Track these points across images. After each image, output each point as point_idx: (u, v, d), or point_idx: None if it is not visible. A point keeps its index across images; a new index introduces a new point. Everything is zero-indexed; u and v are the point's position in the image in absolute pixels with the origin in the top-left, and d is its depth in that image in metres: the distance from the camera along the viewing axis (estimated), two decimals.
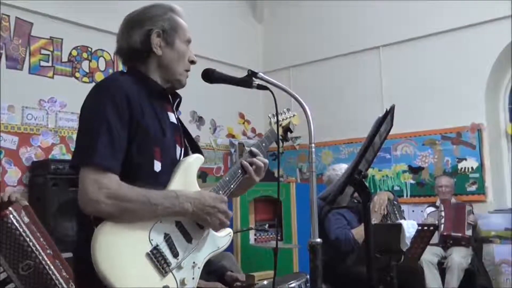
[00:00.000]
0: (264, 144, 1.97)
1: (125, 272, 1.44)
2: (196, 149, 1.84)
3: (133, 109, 1.57)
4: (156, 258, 1.52)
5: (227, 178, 1.79)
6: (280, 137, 2.07)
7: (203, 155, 1.80)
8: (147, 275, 1.49)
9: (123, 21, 1.80)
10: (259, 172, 1.87)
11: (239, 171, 1.83)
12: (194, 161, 1.75)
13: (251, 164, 1.85)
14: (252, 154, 1.88)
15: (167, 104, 1.76)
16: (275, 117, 1.98)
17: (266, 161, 1.90)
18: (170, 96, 1.79)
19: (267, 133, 2.03)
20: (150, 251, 1.51)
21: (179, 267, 1.57)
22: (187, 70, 1.79)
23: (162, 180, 1.62)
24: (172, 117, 1.75)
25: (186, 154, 1.77)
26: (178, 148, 1.72)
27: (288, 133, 2.15)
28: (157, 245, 1.53)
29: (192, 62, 1.81)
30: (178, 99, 1.83)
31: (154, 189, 1.55)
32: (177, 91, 1.84)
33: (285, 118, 2.14)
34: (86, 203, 1.48)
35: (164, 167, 1.63)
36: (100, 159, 1.48)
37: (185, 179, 1.68)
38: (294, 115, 2.19)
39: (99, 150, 1.48)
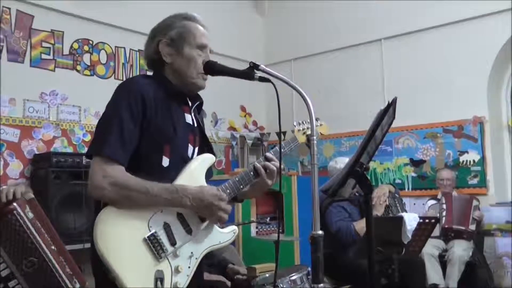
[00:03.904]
0: (282, 151, 1.98)
1: (121, 253, 1.58)
2: (210, 149, 1.93)
3: (147, 108, 1.70)
4: (153, 243, 1.63)
5: (237, 179, 1.86)
6: (304, 144, 2.11)
7: (215, 155, 1.90)
8: (142, 257, 1.61)
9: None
10: (271, 176, 1.92)
11: (251, 173, 1.90)
12: (204, 160, 1.85)
13: (265, 168, 1.90)
14: (267, 159, 1.93)
15: (185, 106, 1.86)
16: (300, 125, 2.10)
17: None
18: (188, 98, 1.88)
19: (288, 140, 2.08)
20: (148, 236, 1.63)
21: (175, 254, 1.68)
22: (203, 73, 1.84)
23: (169, 175, 1.73)
24: (188, 118, 1.86)
25: (200, 153, 1.87)
26: (190, 147, 1.83)
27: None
28: (155, 232, 1.65)
29: None
30: (198, 102, 1.92)
31: (159, 182, 1.66)
32: (199, 93, 1.93)
33: (310, 126, 2.13)
34: (92, 189, 1.63)
35: (173, 163, 1.75)
36: (109, 150, 1.63)
37: (193, 176, 1.78)
38: (321, 125, 2.24)
39: (109, 143, 1.64)
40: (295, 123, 2.10)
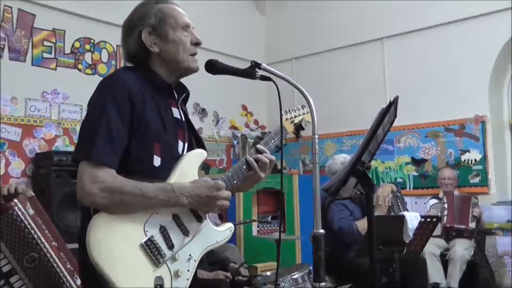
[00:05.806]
0: (273, 141, 1.92)
1: (117, 261, 1.48)
2: (200, 144, 1.84)
3: (135, 105, 1.59)
4: (150, 249, 1.54)
5: (230, 174, 1.78)
6: (292, 134, 2.05)
7: (206, 150, 1.80)
8: (140, 265, 1.52)
9: (121, 28, 1.80)
10: (264, 168, 1.84)
11: (244, 167, 1.82)
12: (196, 156, 1.75)
13: (257, 160, 1.83)
14: (258, 151, 1.85)
15: (172, 99, 1.77)
16: (287, 114, 1.99)
17: (273, 158, 1.86)
18: (175, 92, 1.79)
19: (277, 130, 1.96)
20: (144, 242, 1.54)
21: (173, 258, 1.59)
22: (193, 54, 1.77)
23: (162, 175, 1.63)
24: (176, 113, 1.76)
25: (190, 149, 1.77)
26: (180, 143, 1.73)
27: (300, 130, 2.08)
28: (152, 237, 1.56)
29: (196, 44, 1.78)
30: (184, 94, 1.83)
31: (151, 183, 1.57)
32: (186, 85, 1.85)
33: (297, 115, 2.07)
34: (82, 196, 1.52)
35: (164, 162, 1.65)
36: (97, 154, 1.52)
37: (186, 173, 1.68)
38: (307, 112, 2.10)
39: (97, 145, 1.52)
40: (283, 112, 2.00)
